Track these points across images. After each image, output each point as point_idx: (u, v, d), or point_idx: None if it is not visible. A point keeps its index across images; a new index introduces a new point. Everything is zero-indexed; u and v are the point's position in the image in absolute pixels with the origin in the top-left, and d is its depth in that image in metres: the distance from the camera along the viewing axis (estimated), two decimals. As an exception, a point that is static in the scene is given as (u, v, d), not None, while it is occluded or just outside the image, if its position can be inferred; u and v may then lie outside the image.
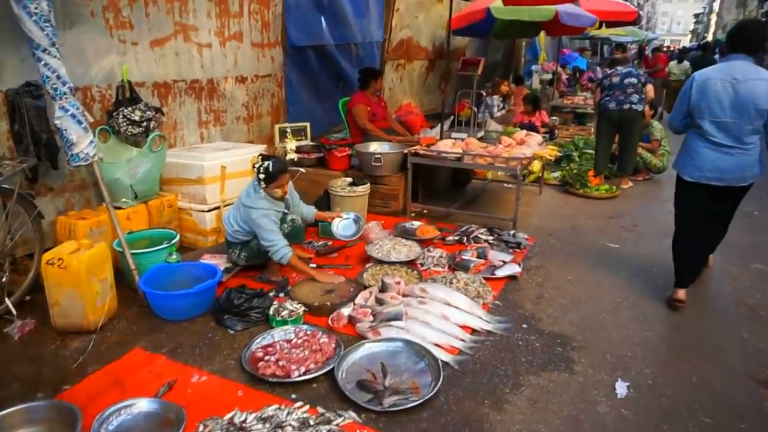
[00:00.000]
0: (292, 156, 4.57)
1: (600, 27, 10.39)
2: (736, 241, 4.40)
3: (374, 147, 5.49)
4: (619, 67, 6.20)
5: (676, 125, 3.53)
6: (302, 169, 4.84)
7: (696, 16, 74.00)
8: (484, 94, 9.27)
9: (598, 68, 19.93)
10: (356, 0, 7.02)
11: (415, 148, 5.16)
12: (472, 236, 4.58)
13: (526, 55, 14.61)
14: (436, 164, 5.15)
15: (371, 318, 3.14)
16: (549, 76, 12.53)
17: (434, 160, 5.08)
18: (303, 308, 3.22)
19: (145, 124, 3.88)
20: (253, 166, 3.50)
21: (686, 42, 58.73)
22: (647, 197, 6.16)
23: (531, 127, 7.86)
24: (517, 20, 9.23)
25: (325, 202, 4.86)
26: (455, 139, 5.68)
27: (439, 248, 4.30)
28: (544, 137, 6.09)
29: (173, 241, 3.59)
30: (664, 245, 4.21)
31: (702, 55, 13.67)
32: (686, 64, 13.39)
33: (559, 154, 6.31)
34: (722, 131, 3.26)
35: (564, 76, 13.81)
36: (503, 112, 8.74)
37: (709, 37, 56.43)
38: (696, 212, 3.52)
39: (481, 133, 6.21)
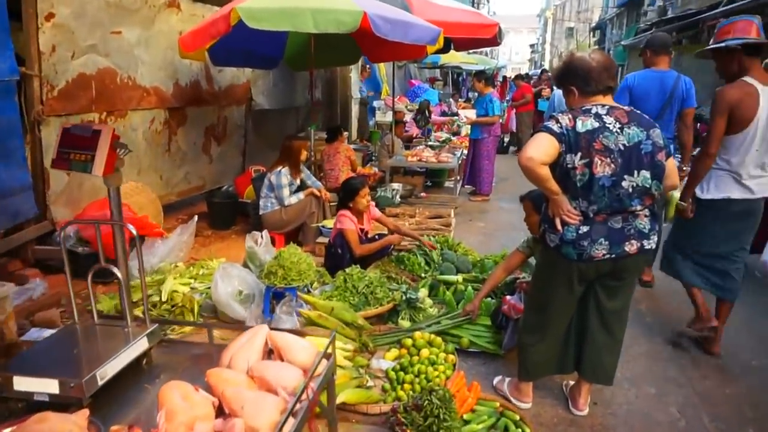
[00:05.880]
0: None
1: (446, 49, 7.13)
2: None
3: None
4: (607, 118, 2.23)
5: None
6: None
7: (531, 46, 79.17)
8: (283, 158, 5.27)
9: (451, 100, 17.47)
10: None
11: None
12: None
13: (362, 89, 11.19)
14: None
15: None
16: (389, 119, 9.08)
17: None
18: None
19: None
20: None
21: (525, 69, 61.52)
22: None
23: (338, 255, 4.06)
24: (318, 41, 5.62)
25: None
26: None
27: None
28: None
29: None
30: None
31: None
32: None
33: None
34: None
35: (407, 116, 10.45)
36: (300, 197, 4.91)
37: (546, 65, 59.63)
38: None
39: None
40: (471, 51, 23.31)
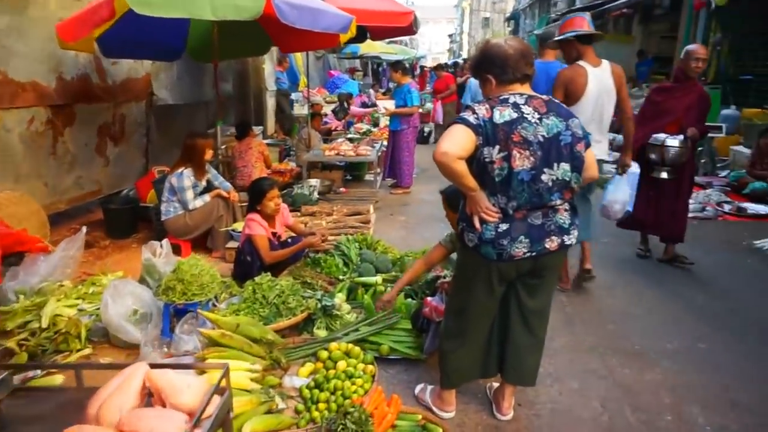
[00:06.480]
0: None
1: (363, 38, 6.95)
2: None
3: None
4: (525, 108, 2.10)
5: None
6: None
7: (450, 36, 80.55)
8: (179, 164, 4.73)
9: (371, 91, 17.28)
10: None
11: None
12: None
13: (284, 81, 10.73)
14: None
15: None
16: (305, 111, 8.75)
17: None
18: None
19: None
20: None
21: (445, 59, 62.55)
22: None
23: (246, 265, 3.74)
24: (223, 29, 5.23)
25: None
26: None
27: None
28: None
29: None
30: None
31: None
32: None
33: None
34: None
35: (326, 108, 10.14)
36: (206, 199, 4.53)
37: (465, 54, 60.96)
38: None
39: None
40: (390, 41, 23.25)
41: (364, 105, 13.95)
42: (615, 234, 5.08)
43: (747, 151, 7.48)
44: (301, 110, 10.06)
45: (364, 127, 10.73)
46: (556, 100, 2.24)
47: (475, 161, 2.10)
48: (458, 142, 2.03)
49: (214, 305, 3.32)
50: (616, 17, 17.01)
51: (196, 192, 4.54)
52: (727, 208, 6.09)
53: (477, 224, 2.15)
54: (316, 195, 5.94)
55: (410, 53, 22.13)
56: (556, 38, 3.76)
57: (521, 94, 2.14)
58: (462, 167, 2.04)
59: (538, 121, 2.09)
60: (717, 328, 3.42)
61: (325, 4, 4.84)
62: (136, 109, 6.02)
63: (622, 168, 4.00)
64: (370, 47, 15.96)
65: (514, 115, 2.07)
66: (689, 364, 3.00)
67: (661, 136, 4.19)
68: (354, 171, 7.56)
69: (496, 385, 2.64)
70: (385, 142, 7.62)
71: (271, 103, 10.35)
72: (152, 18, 3.73)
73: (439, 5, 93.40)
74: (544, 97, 2.20)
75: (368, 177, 7.57)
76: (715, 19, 10.83)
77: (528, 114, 2.09)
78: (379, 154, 7.21)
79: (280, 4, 3.82)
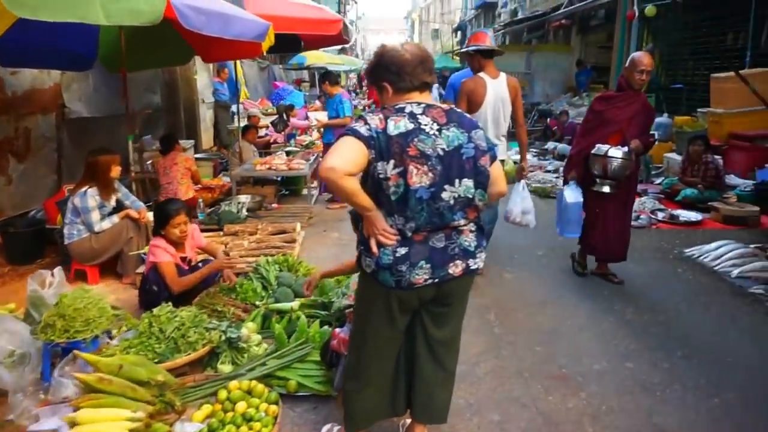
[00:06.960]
0: None
1: (297, 47, 6.71)
2: None
3: None
4: (422, 118, 1.92)
5: None
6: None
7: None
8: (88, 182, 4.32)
9: (317, 101, 16.98)
10: None
11: None
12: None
13: (224, 92, 10.33)
14: None
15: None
16: (242, 123, 8.39)
17: None
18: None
19: None
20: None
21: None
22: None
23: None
24: (135, 36, 4.89)
25: None
26: None
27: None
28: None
29: None
30: None
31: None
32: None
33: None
34: None
35: (261, 121, 9.80)
36: (114, 221, 4.15)
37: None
38: None
39: None
40: (339, 50, 23.00)
41: (307, 118, 13.62)
42: (550, 246, 5.00)
43: (680, 158, 7.62)
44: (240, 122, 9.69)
45: (307, 139, 10.45)
46: (459, 110, 2.05)
47: (369, 177, 1.89)
48: (346, 156, 1.82)
49: (108, 341, 2.99)
50: (556, 28, 17.40)
51: (103, 213, 4.17)
52: (660, 215, 6.13)
53: (374, 248, 1.93)
54: (245, 212, 5.62)
55: (358, 63, 22.01)
56: (461, 50, 4.14)
57: (419, 104, 1.95)
58: (352, 184, 1.82)
59: (437, 133, 1.90)
60: (645, 344, 3.32)
61: (238, 9, 4.58)
62: (43, 123, 5.55)
63: (519, 175, 4.28)
64: (318, 58, 15.72)
65: (410, 126, 1.87)
66: (615, 387, 2.87)
67: (604, 146, 3.93)
68: (291, 185, 7.27)
69: (409, 421, 2.42)
70: (322, 155, 7.37)
71: (209, 114, 9.93)
72: (54, 24, 3.37)
73: (390, 16, 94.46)
74: (445, 106, 2.01)
75: (306, 192, 7.29)
76: (647, 29, 11.16)
77: (425, 125, 1.90)
78: (314, 167, 6.95)
79: (182, 9, 3.52)
